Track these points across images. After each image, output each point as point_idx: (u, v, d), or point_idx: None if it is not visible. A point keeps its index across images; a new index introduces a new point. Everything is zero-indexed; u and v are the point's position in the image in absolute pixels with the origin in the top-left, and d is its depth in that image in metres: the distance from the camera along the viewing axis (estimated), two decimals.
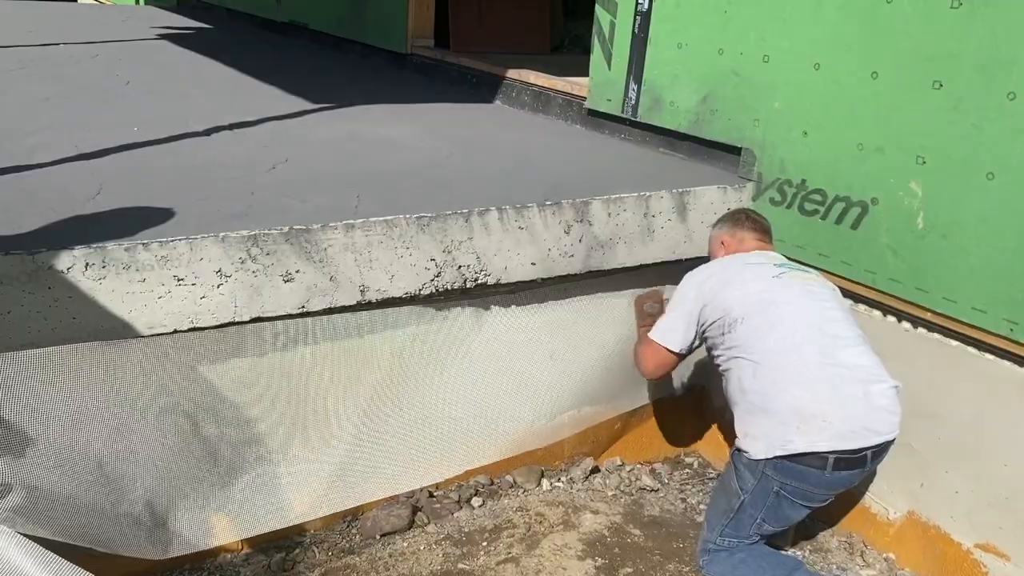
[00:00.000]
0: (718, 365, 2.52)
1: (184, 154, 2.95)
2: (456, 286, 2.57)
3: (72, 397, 2.13)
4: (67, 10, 8.99)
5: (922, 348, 2.65)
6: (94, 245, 2.02)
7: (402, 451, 2.76)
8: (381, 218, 2.36)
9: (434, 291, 2.52)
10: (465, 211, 2.51)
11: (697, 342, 2.57)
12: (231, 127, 3.38)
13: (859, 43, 2.70)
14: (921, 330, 2.66)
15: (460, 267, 2.55)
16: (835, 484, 2.29)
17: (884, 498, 2.83)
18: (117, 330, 2.10)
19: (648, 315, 2.94)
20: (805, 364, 2.26)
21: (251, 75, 4.73)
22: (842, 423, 2.20)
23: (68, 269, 2.00)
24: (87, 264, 2.02)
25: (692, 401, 3.45)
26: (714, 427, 3.39)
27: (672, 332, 2.55)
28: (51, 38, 5.67)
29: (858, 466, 2.25)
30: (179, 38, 6.31)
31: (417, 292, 2.49)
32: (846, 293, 2.86)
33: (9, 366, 2.00)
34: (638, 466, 3.27)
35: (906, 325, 2.71)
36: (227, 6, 8.06)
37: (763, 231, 2.76)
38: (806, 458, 2.22)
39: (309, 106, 3.93)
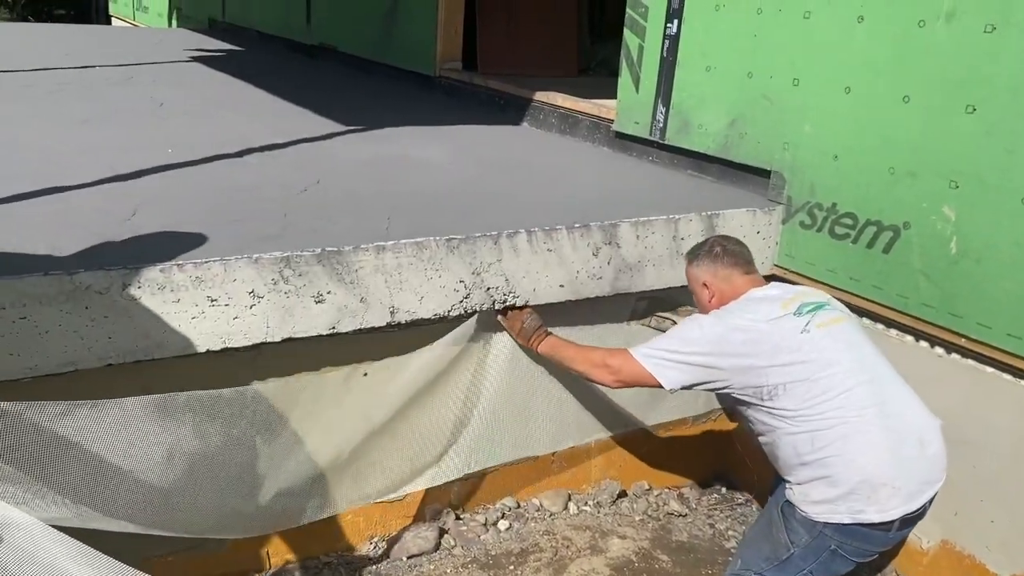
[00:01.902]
0: (757, 429, 2.30)
1: (217, 175, 2.99)
2: (485, 307, 2.58)
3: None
4: (103, 33, 9.19)
5: (956, 374, 2.62)
6: (130, 266, 2.05)
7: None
8: (411, 240, 2.38)
9: (463, 312, 2.53)
10: (494, 233, 2.52)
11: (689, 388, 2.33)
12: (263, 149, 3.42)
13: (890, 67, 2.69)
14: (955, 356, 2.63)
15: (489, 289, 2.56)
16: (895, 540, 2.21)
17: (918, 527, 2.78)
18: (151, 349, 2.12)
19: (536, 328, 2.65)
20: (867, 430, 2.11)
21: (282, 97, 4.80)
22: (907, 486, 2.10)
23: (105, 290, 2.02)
24: (123, 284, 2.05)
25: (719, 424, 3.42)
26: (742, 451, 3.36)
27: (672, 370, 2.26)
28: (88, 60, 5.79)
29: (918, 520, 2.19)
30: (211, 60, 6.42)
31: (446, 313, 2.50)
32: (877, 317, 2.85)
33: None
34: (665, 491, 3.25)
35: (939, 351, 2.68)
36: (257, 28, 8.19)
37: (746, 261, 2.44)
38: (875, 525, 2.12)
39: (339, 128, 3.98)
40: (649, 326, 3.01)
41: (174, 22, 10.80)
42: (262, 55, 7.17)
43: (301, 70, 6.36)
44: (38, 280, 1.94)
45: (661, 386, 2.28)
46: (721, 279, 2.41)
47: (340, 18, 6.68)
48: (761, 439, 2.28)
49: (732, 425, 3.40)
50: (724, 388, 2.26)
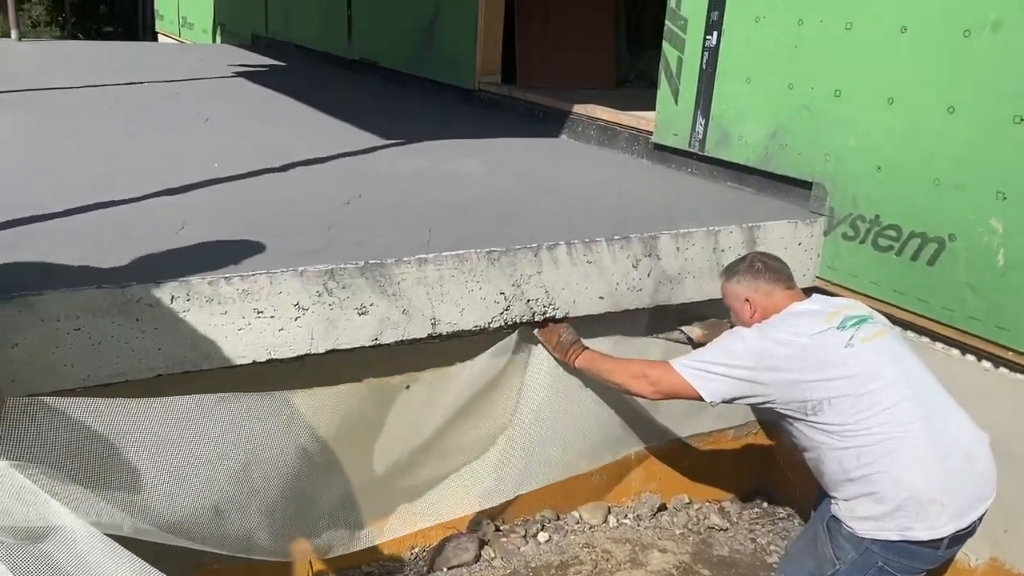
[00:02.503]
0: (801, 444, 2.28)
1: (262, 189, 3.05)
2: (525, 319, 2.59)
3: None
4: (151, 50, 9.42)
5: (1004, 388, 2.57)
6: (179, 279, 2.10)
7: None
8: (452, 252, 2.40)
9: (503, 324, 2.55)
10: (534, 245, 2.54)
11: (731, 402, 2.33)
12: (306, 163, 3.48)
13: (935, 78, 2.66)
14: (1003, 370, 2.59)
15: (529, 300, 2.57)
16: (945, 559, 2.17)
17: (966, 543, 2.73)
18: (199, 360, 2.17)
19: (572, 342, 2.66)
20: (913, 445, 2.08)
21: (324, 111, 4.87)
22: (955, 502, 2.07)
23: (155, 302, 2.08)
24: (172, 297, 2.10)
25: (761, 438, 3.39)
26: (783, 465, 3.33)
27: (713, 383, 2.25)
28: (136, 77, 5.94)
29: (968, 537, 2.15)
30: (254, 75, 6.54)
31: (487, 325, 2.52)
32: (922, 330, 2.81)
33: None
34: (706, 504, 3.23)
35: (986, 364, 2.63)
36: (299, 43, 8.32)
37: (786, 276, 2.44)
38: (924, 542, 2.09)
39: (380, 142, 4.03)
40: (671, 339, 2.99)
41: (218, 38, 11.02)
42: (304, 70, 7.29)
43: (342, 84, 6.46)
44: (92, 293, 2.00)
45: (701, 398, 2.27)
46: (763, 294, 2.40)
47: (380, 33, 6.77)
48: (806, 454, 2.26)
49: (775, 438, 3.37)
50: (766, 403, 2.25)
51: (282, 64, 7.62)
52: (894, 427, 2.07)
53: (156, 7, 14.79)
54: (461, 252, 2.42)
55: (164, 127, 4.18)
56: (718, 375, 2.25)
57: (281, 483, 2.43)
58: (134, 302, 2.05)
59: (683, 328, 2.97)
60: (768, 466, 3.40)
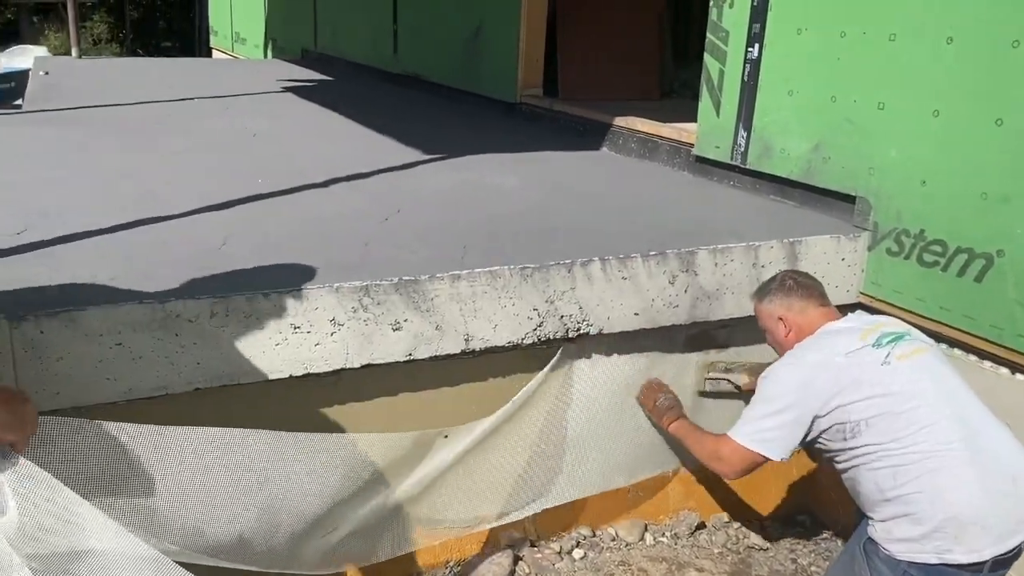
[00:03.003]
0: (837, 464, 2.23)
1: (304, 205, 3.10)
2: (558, 335, 2.59)
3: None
4: (204, 65, 9.65)
5: None
6: (218, 295, 2.15)
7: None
8: (485, 269, 2.41)
9: (536, 340, 2.55)
10: (568, 261, 2.54)
11: (797, 448, 2.29)
12: (348, 178, 3.53)
13: (981, 89, 2.59)
14: None
15: (562, 317, 2.57)
16: None
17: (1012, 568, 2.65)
18: (237, 375, 2.21)
19: (668, 408, 2.76)
20: (953, 465, 2.02)
21: (368, 126, 4.94)
22: (998, 525, 2.00)
23: (195, 317, 2.12)
24: (212, 312, 2.14)
25: (803, 456, 3.33)
26: (827, 485, 3.26)
27: (774, 441, 2.20)
28: (188, 93, 6.09)
29: (1013, 561, 2.08)
30: (302, 91, 6.66)
31: (520, 341, 2.52)
32: (969, 348, 2.73)
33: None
34: (746, 523, 3.18)
35: None
36: (347, 58, 8.45)
37: (819, 293, 2.39)
38: (964, 566, 2.02)
39: (421, 156, 4.07)
40: (720, 392, 2.95)
41: (269, 53, 11.24)
42: (351, 84, 7.39)
43: (387, 99, 6.54)
44: (133, 308, 2.05)
45: (772, 459, 2.22)
46: (796, 312, 2.37)
47: (425, 47, 6.84)
48: (843, 475, 2.22)
49: (818, 457, 3.30)
50: (815, 433, 2.19)
51: (330, 79, 7.74)
52: (933, 446, 2.01)
53: (211, 23, 15.15)
54: (494, 268, 2.43)
55: (212, 143, 4.28)
56: (773, 428, 2.20)
57: (319, 502, 2.45)
58: (174, 317, 2.10)
59: (729, 377, 2.93)
60: (811, 485, 3.33)
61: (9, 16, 25.67)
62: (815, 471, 3.32)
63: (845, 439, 2.12)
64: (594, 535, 2.97)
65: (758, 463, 2.24)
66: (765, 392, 2.24)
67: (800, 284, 2.41)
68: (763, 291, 2.47)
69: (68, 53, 9.44)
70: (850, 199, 3.10)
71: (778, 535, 3.14)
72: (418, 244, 2.65)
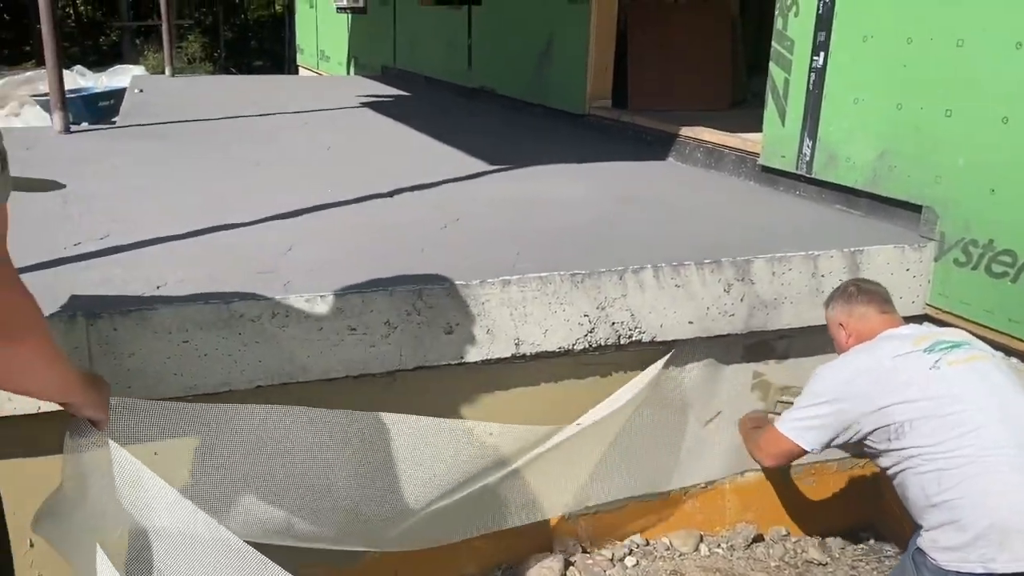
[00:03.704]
0: (885, 469, 2.24)
1: (367, 214, 3.21)
2: (610, 342, 2.61)
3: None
4: (289, 82, 10.02)
5: None
6: (279, 296, 2.25)
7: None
8: (536, 275, 2.46)
9: (587, 346, 2.57)
10: (620, 268, 2.56)
11: (831, 444, 2.32)
12: (412, 188, 3.63)
13: None
14: None
15: (614, 323, 2.59)
16: None
17: None
18: (296, 373, 2.31)
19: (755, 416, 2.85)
20: (998, 470, 1.98)
21: (438, 139, 5.05)
22: None
23: (257, 317, 2.23)
24: (273, 313, 2.25)
25: (867, 470, 3.25)
26: (891, 500, 3.17)
27: (809, 431, 2.28)
28: (270, 108, 6.34)
29: None
30: (378, 105, 6.85)
31: (571, 347, 2.55)
32: None
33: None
34: (805, 537, 3.12)
35: None
36: (424, 74, 8.64)
37: (882, 300, 2.43)
38: (1009, 573, 1.97)
39: (486, 167, 4.15)
40: (777, 414, 2.93)
41: (351, 69, 11.57)
42: (426, 99, 7.56)
43: (460, 113, 6.66)
44: (200, 308, 2.17)
45: (806, 451, 2.31)
46: (856, 318, 2.40)
47: (498, 62, 6.95)
48: (893, 481, 2.22)
49: (883, 472, 3.22)
50: (857, 434, 2.20)
51: (406, 94, 7.93)
52: (978, 451, 1.99)
53: (297, 42, 15.68)
54: (544, 274, 2.47)
55: (288, 155, 4.46)
56: (810, 418, 2.28)
57: (381, 486, 2.51)
58: (237, 317, 2.21)
59: (784, 399, 2.92)
60: (876, 500, 3.25)
61: (114, 38, 27.10)
62: (880, 486, 3.23)
63: (890, 440, 2.12)
64: (647, 544, 2.96)
65: (794, 452, 2.34)
66: (810, 387, 2.33)
67: (862, 291, 2.44)
68: (828, 299, 2.55)
69: (163, 72, 9.94)
70: (916, 208, 3.03)
71: (839, 551, 3.07)
72: (473, 250, 2.71)
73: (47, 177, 2.55)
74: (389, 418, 2.42)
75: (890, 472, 2.19)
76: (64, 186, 3.40)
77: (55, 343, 1.31)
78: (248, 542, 1.98)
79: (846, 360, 2.27)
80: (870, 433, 2.16)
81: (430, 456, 2.50)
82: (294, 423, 2.29)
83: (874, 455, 2.23)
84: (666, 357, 2.76)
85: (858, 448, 2.33)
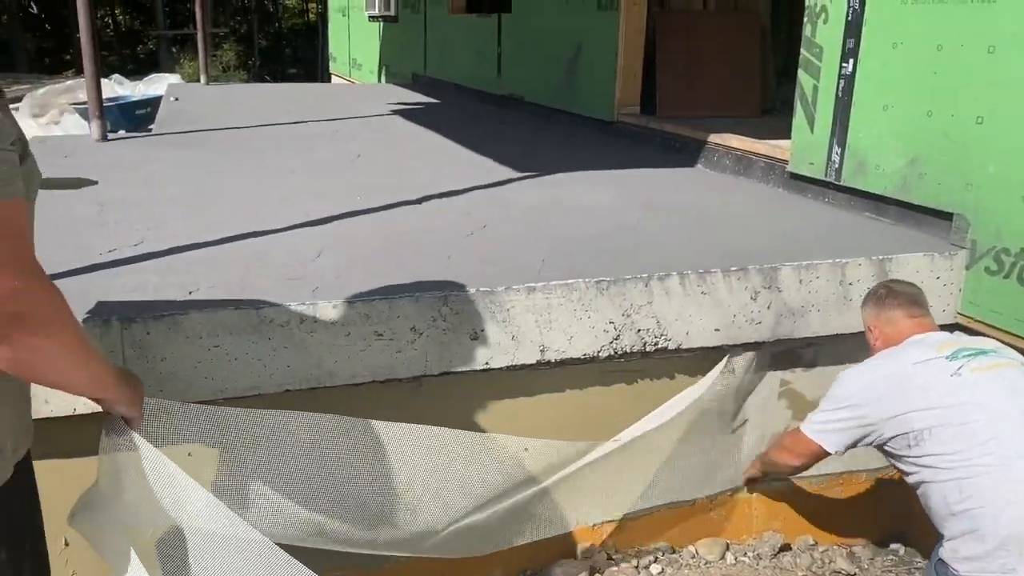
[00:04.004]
0: (907, 476, 2.23)
1: (396, 221, 3.25)
2: (635, 349, 2.61)
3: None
4: (320, 90, 10.13)
5: None
6: (308, 302, 2.29)
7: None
8: (561, 282, 2.47)
9: (613, 353, 2.58)
10: (645, 275, 2.57)
11: (855, 446, 2.33)
12: (440, 196, 3.66)
13: None
14: None
15: (639, 331, 2.60)
16: None
17: None
18: (323, 378, 2.35)
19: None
20: (1019, 479, 1.97)
21: (467, 146, 5.09)
22: None
23: (285, 323, 2.27)
24: (302, 319, 2.29)
25: (896, 479, 3.21)
26: (922, 512, 3.13)
27: (832, 434, 2.30)
28: (303, 116, 6.42)
29: None
30: (409, 113, 6.91)
31: (595, 354, 2.56)
32: None
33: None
34: (834, 547, 3.09)
35: None
36: (454, 81, 8.70)
37: (913, 303, 2.40)
38: None
39: (514, 175, 4.17)
40: None
41: (383, 77, 11.68)
42: (455, 106, 7.61)
43: (489, 120, 6.70)
44: (230, 313, 2.22)
45: (829, 453, 2.34)
46: (884, 322, 2.40)
47: (527, 69, 6.97)
48: (916, 491, 2.21)
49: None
50: (878, 439, 2.20)
51: (436, 101, 7.99)
52: (999, 459, 1.97)
53: (330, 50, 15.86)
54: (569, 281, 2.48)
55: (318, 163, 4.51)
56: (831, 422, 2.31)
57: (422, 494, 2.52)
58: (267, 322, 2.26)
59: None
60: (907, 511, 3.20)
61: (151, 47, 27.61)
62: (912, 497, 3.19)
63: (910, 447, 2.12)
64: (673, 552, 2.96)
65: (817, 453, 2.36)
66: (833, 390, 2.35)
67: (893, 293, 2.43)
68: (863, 299, 2.56)
69: (199, 80, 10.10)
70: (947, 216, 3.00)
71: (868, 561, 3.04)
72: (499, 257, 2.73)
73: None
74: (425, 431, 2.42)
75: (912, 480, 2.18)
76: (96, 182, 3.48)
77: (87, 339, 1.34)
78: (280, 544, 2.01)
79: (869, 365, 2.29)
80: (890, 439, 2.16)
81: (465, 469, 2.52)
82: (329, 431, 2.32)
83: (897, 462, 2.22)
84: (720, 367, 2.77)
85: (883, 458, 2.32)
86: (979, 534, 1.97)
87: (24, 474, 1.43)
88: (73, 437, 2.12)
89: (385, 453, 2.41)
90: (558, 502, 2.76)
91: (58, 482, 2.02)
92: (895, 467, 2.29)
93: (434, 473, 2.47)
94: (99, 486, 1.89)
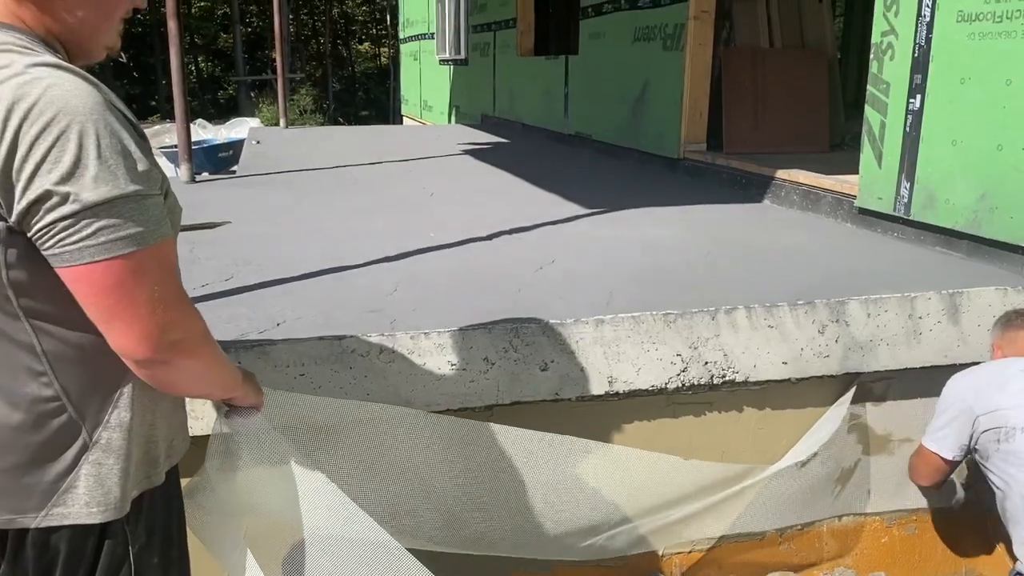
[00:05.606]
0: (991, 475, 2.37)
1: (468, 256, 3.37)
2: (703, 381, 2.66)
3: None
4: (393, 132, 10.46)
5: None
6: (386, 333, 2.41)
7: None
8: (628, 314, 2.54)
9: (680, 385, 2.63)
10: (712, 309, 2.62)
11: (968, 451, 2.45)
12: (510, 232, 3.79)
13: None
14: None
15: (707, 363, 2.64)
16: None
17: None
18: (401, 405, 2.46)
19: None
20: None
21: (535, 184, 5.22)
22: None
23: (366, 353, 2.40)
24: (381, 349, 2.41)
25: (975, 515, 3.16)
26: (1000, 548, 3.07)
27: (945, 439, 2.47)
28: (378, 157, 6.67)
29: None
30: (479, 152, 7.10)
31: (663, 386, 2.62)
32: None
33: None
34: None
35: None
36: (522, 121, 8.89)
37: None
38: None
39: (581, 211, 4.27)
40: None
41: (453, 118, 11.99)
42: (524, 146, 7.78)
43: (557, 158, 6.84)
44: (314, 343, 2.35)
45: (950, 462, 2.47)
46: (1007, 341, 2.58)
47: (594, 108, 7.11)
48: (996, 494, 2.32)
49: (991, 518, 3.12)
50: (976, 433, 2.35)
51: (505, 141, 8.18)
52: None
53: (402, 92, 16.33)
54: (637, 314, 2.55)
55: (394, 201, 4.70)
56: (943, 427, 2.48)
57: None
58: (348, 352, 2.38)
59: None
60: (982, 546, 3.15)
61: (231, 92, 28.80)
62: (985, 533, 3.14)
63: (999, 442, 2.25)
64: None
65: (939, 464, 2.50)
66: (940, 399, 2.52)
67: (1020, 315, 2.64)
68: (994, 323, 2.73)
69: (278, 123, 10.54)
70: (1020, 250, 2.98)
71: None
72: (567, 291, 2.83)
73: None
74: (576, 443, 2.50)
75: (994, 480, 2.31)
76: (229, 222, 3.72)
77: (220, 349, 1.48)
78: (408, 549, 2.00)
79: (974, 367, 2.48)
80: (983, 433, 2.29)
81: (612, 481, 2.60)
82: (472, 437, 2.39)
83: (984, 460, 2.35)
84: (849, 394, 2.84)
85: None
86: None
87: (175, 481, 1.58)
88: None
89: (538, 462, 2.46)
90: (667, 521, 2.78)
91: None
92: (981, 467, 2.41)
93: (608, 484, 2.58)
94: (207, 469, 1.92)
